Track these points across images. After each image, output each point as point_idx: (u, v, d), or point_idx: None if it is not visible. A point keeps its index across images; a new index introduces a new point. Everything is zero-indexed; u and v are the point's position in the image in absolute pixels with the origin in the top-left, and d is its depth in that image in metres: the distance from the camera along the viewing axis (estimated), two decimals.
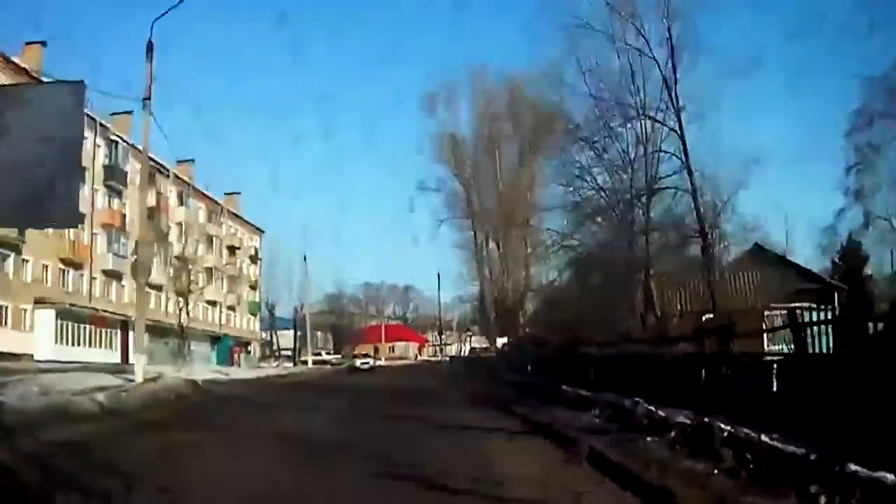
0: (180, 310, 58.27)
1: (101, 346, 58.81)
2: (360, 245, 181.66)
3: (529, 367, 35.21)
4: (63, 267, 56.53)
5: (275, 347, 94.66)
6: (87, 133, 58.40)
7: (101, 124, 60.02)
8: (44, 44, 54.41)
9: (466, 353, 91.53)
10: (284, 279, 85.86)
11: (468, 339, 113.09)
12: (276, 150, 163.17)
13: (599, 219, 37.42)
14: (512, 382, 27.74)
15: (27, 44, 53.36)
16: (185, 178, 74.72)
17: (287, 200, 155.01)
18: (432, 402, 21.78)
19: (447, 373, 52.39)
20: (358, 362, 69.70)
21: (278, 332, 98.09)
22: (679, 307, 35.52)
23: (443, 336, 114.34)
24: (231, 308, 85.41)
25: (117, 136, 61.93)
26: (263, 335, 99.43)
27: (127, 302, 62.66)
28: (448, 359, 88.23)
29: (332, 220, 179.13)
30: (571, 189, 39.02)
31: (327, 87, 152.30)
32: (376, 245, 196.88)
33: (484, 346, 76.70)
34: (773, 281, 38.95)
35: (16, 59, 49.92)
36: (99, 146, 60.46)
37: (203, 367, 47.81)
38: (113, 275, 61.22)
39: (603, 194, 37.08)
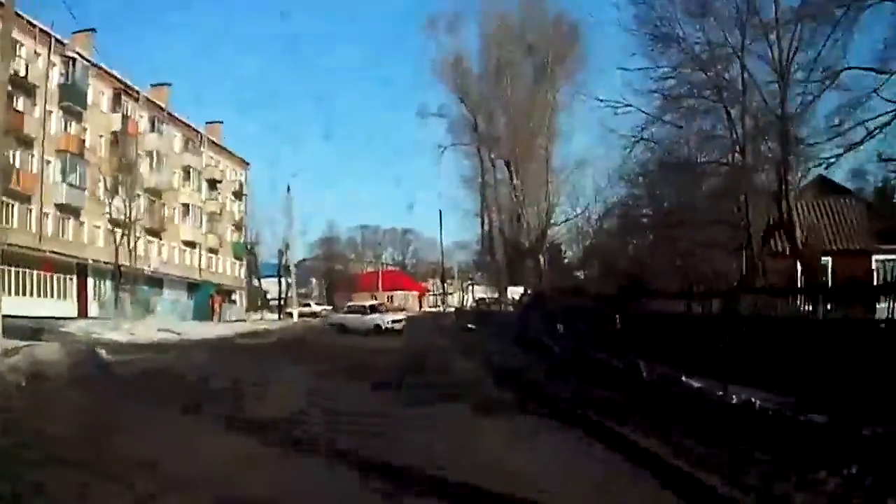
0: (118, 245, 47.29)
1: (52, 295, 50.62)
2: (356, 185, 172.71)
3: (560, 328, 27.13)
4: (6, 199, 48.03)
5: (269, 296, 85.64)
6: (41, 49, 50.50)
7: (56, 39, 51.68)
8: None
9: (471, 304, 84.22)
10: (271, 221, 76.90)
11: (470, 289, 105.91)
12: (265, 80, 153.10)
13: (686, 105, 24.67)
14: (556, 353, 19.61)
15: None
16: (159, 103, 65.91)
17: (274, 136, 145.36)
18: (449, 395, 13.64)
19: (456, 329, 44.24)
20: (387, 319, 43.11)
21: (267, 280, 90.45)
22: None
23: (445, 283, 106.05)
24: (212, 251, 76.77)
25: (76, 52, 53.31)
26: (255, 282, 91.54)
27: (87, 242, 54.52)
28: (453, 310, 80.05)
29: (325, 158, 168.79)
30: (658, 47, 25.10)
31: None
32: (373, 185, 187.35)
33: (493, 296, 68.46)
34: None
35: None
36: (54, 64, 52.07)
37: (155, 322, 39.87)
38: (68, 210, 52.63)
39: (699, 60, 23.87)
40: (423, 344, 29.59)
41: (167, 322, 42.87)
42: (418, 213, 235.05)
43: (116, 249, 48.29)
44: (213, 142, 78.22)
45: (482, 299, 75.24)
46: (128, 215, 50.15)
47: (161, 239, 65.88)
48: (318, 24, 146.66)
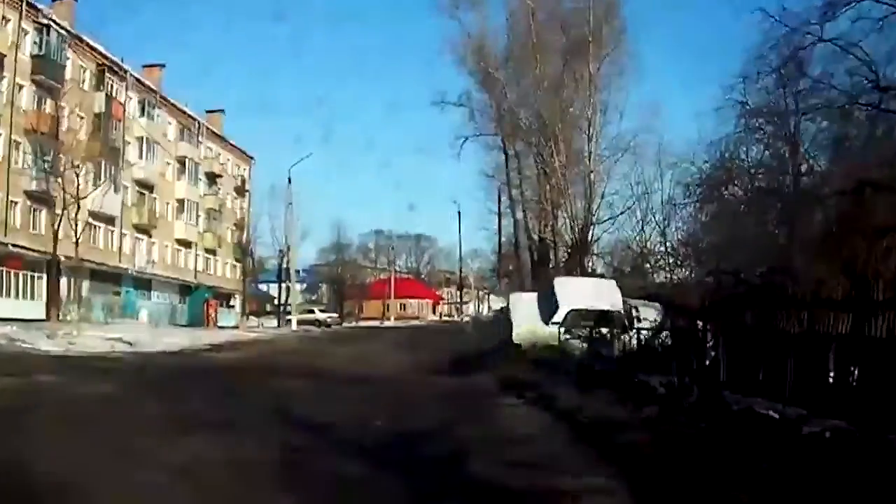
0: (56, 230, 38.27)
1: (19, 295, 44.36)
2: (369, 190, 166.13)
3: (617, 353, 19.87)
4: None
5: (278, 302, 78.56)
6: (10, 13, 44.42)
7: (29, 3, 45.36)
8: None
9: (488, 314, 77.86)
10: (275, 221, 69.36)
11: (487, 298, 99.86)
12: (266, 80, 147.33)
13: None
14: (660, 395, 12.56)
15: None
16: (151, 85, 59.44)
17: (279, 137, 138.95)
18: None
19: (480, 344, 37.08)
20: None
21: (273, 285, 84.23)
22: None
23: (462, 291, 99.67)
24: (210, 251, 70.19)
25: (51, 20, 46.97)
26: (254, 286, 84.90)
27: (62, 237, 48.01)
28: (468, 320, 72.97)
29: (335, 161, 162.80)
30: None
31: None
32: (388, 190, 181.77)
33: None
34: None
35: None
36: (26, 31, 45.76)
37: (114, 328, 33.71)
38: (39, 199, 45.91)
39: None
40: (443, 366, 22.46)
41: (137, 328, 37.04)
42: (434, 219, 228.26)
43: (56, 233, 39.68)
44: (214, 132, 71.52)
45: (505, 308, 68.57)
46: (72, 197, 42.90)
47: (151, 236, 59.52)
48: (326, 22, 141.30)
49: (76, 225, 35.47)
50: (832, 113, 17.31)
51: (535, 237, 50.56)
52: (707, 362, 14.15)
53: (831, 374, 11.30)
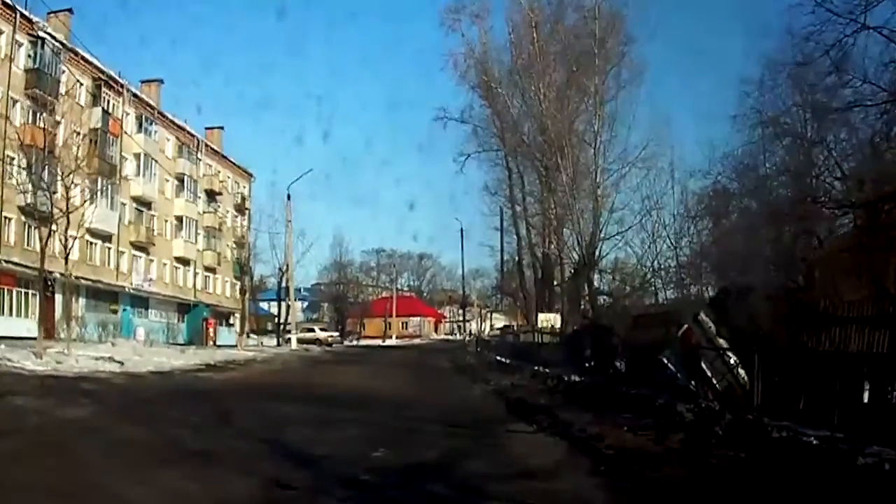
0: (44, 245, 34.82)
1: (13, 312, 43.45)
2: (370, 208, 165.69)
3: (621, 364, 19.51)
4: None
5: (278, 320, 77.01)
6: (4, 26, 43.53)
7: (23, 15, 44.43)
8: None
9: (490, 333, 76.76)
10: (276, 239, 68.10)
11: (489, 317, 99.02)
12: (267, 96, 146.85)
13: None
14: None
15: None
16: (149, 100, 58.54)
17: (280, 154, 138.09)
18: None
19: (485, 366, 36.09)
20: None
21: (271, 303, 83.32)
22: None
23: (465, 310, 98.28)
24: (209, 269, 69.25)
25: (46, 33, 46.11)
26: (253, 305, 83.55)
27: (56, 253, 46.84)
28: (471, 339, 71.84)
29: (336, 180, 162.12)
30: None
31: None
32: (389, 208, 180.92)
33: (520, 323, 60.42)
34: None
35: None
36: (20, 44, 44.89)
37: (106, 347, 32.69)
38: (34, 215, 44.79)
39: None
40: (444, 395, 21.47)
41: (131, 347, 36.12)
42: (436, 236, 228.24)
43: (43, 247, 36.85)
44: (213, 149, 70.52)
45: (507, 327, 67.51)
46: (61, 212, 41.36)
47: (149, 254, 58.47)
48: (332, 48, 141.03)
49: (66, 241, 34.02)
50: (863, 113, 16.00)
51: (539, 254, 49.51)
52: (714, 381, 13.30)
53: (866, 394, 10.44)
